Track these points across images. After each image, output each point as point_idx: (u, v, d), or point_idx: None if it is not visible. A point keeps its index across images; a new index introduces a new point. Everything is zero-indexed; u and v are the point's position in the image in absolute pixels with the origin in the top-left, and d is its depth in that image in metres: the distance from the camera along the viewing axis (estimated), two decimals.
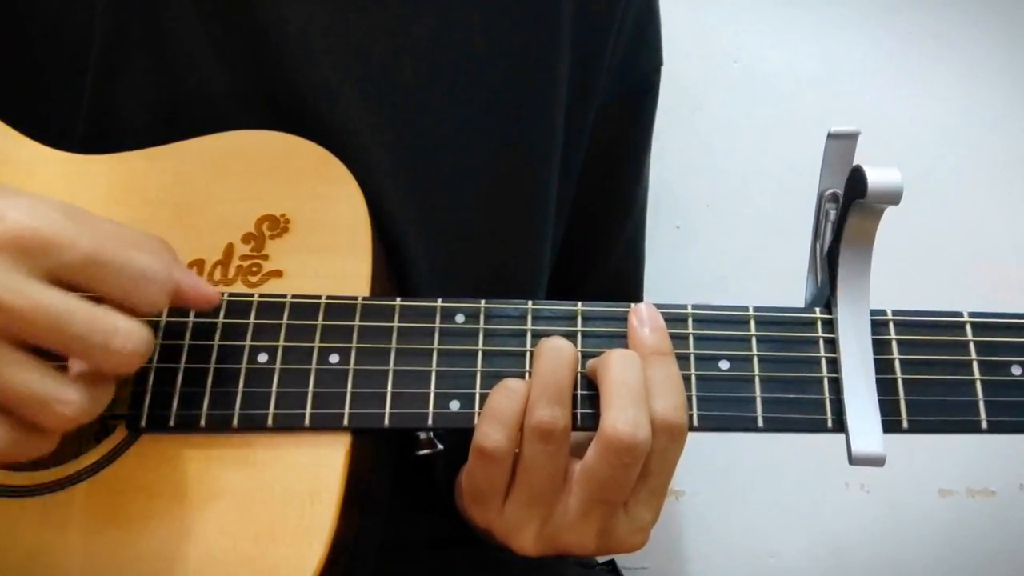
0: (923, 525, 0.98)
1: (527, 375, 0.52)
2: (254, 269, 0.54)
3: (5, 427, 0.44)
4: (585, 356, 0.51)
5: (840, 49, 1.04)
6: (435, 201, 0.62)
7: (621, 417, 0.47)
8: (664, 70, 0.76)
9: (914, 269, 0.95)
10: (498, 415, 0.49)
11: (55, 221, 0.44)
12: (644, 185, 0.80)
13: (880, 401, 0.50)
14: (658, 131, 0.78)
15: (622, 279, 0.79)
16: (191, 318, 0.52)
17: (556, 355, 0.50)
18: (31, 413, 0.43)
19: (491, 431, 0.49)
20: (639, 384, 0.49)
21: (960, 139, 1.03)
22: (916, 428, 0.51)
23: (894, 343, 0.52)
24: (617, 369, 0.49)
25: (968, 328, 0.52)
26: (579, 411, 0.51)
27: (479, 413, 0.51)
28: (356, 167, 0.57)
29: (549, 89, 0.65)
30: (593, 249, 0.77)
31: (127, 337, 0.44)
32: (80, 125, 0.61)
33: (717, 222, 1.03)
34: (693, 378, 0.51)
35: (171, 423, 0.50)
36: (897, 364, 0.52)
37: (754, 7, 1.05)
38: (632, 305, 0.52)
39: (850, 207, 0.49)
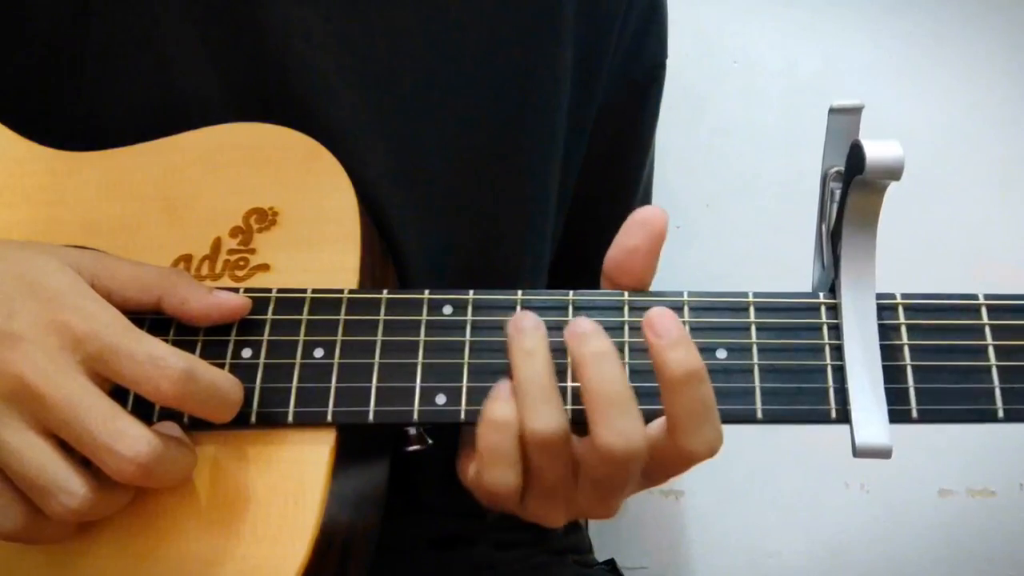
0: (923, 525, 0.98)
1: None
2: (241, 263, 0.54)
3: (17, 509, 0.45)
4: None
5: (840, 49, 1.04)
6: (435, 202, 0.62)
7: (607, 432, 0.45)
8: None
9: (912, 269, 0.94)
10: (500, 455, 0.47)
11: (89, 314, 0.45)
12: (647, 175, 0.79)
13: (888, 390, 0.47)
14: (658, 131, 0.78)
15: None
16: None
17: (531, 361, 0.47)
18: (37, 498, 0.44)
19: (502, 476, 0.47)
20: (621, 389, 0.46)
21: (960, 138, 1.03)
22: (927, 418, 0.48)
23: (903, 328, 0.49)
24: (594, 379, 0.46)
25: (983, 311, 0.50)
26: (570, 407, 0.48)
27: (465, 409, 0.49)
28: (356, 169, 0.56)
29: (550, 88, 0.65)
30: (595, 239, 0.76)
31: (130, 444, 0.43)
32: (76, 128, 0.60)
33: (717, 222, 1.03)
34: None
35: (154, 419, 0.49)
36: (906, 350, 0.49)
37: (754, 7, 1.05)
38: (646, 314, 0.47)
39: (851, 184, 0.47)
